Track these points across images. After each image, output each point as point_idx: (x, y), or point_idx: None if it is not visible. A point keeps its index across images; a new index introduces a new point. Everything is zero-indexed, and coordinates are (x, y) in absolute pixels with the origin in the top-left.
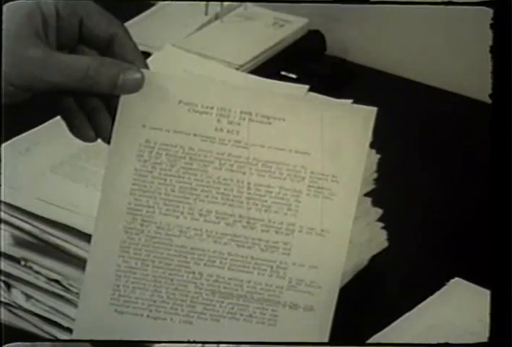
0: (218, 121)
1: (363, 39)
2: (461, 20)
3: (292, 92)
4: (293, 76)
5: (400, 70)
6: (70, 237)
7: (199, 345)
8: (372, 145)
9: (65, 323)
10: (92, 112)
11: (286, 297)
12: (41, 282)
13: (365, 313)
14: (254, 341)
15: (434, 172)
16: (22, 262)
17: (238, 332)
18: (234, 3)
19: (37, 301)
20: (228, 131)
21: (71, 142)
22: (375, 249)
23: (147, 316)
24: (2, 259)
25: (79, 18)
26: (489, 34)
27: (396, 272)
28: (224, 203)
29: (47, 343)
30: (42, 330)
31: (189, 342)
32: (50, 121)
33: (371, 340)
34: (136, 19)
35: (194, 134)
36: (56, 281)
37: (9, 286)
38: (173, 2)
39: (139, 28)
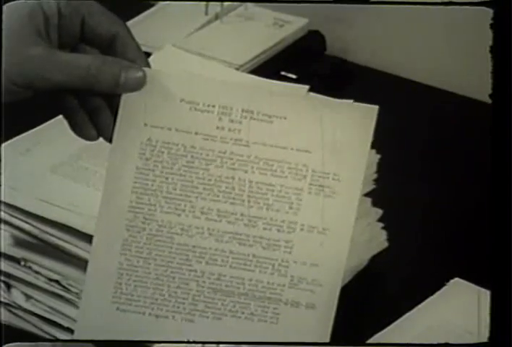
0: (220, 119)
1: (363, 39)
2: (461, 20)
3: (293, 92)
4: (293, 76)
5: (401, 70)
6: (70, 237)
7: (199, 345)
8: (372, 145)
9: (65, 323)
10: (94, 111)
11: (288, 295)
12: (41, 282)
13: (365, 313)
14: (255, 339)
15: (434, 172)
16: (22, 262)
17: (239, 331)
18: (234, 3)
19: (37, 301)
20: (229, 130)
21: (72, 142)
22: (375, 249)
23: (149, 314)
24: (2, 259)
25: (81, 17)
26: (489, 34)
27: (396, 272)
28: (226, 201)
29: (48, 343)
30: (42, 330)
31: (188, 342)
32: (50, 121)
33: (371, 340)
34: (136, 19)
35: (196, 133)
36: (56, 281)
37: (9, 286)
38: (173, 2)
39: (139, 28)
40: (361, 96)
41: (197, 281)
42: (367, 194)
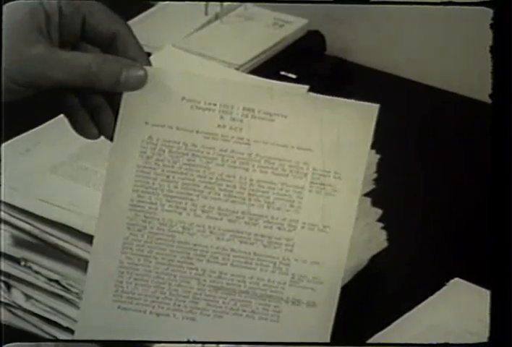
0: (221, 117)
1: (363, 39)
2: (461, 20)
3: (293, 91)
4: (293, 76)
5: (401, 70)
6: (70, 237)
7: (199, 345)
8: (372, 145)
9: (65, 323)
10: (95, 109)
11: (289, 293)
12: (41, 282)
13: (365, 313)
14: (256, 337)
15: (434, 172)
16: (22, 262)
17: (240, 329)
18: (234, 3)
19: (37, 301)
20: (230, 128)
21: (72, 142)
22: (375, 249)
23: (150, 312)
24: (2, 259)
25: (82, 16)
26: (489, 34)
27: (396, 272)
28: (227, 200)
29: (50, 344)
30: (42, 330)
31: (188, 342)
32: (50, 121)
33: (371, 340)
34: (136, 19)
35: (197, 131)
36: (56, 281)
37: (9, 286)
38: (173, 2)
39: (139, 28)
40: (361, 96)
41: (198, 279)
42: (366, 194)
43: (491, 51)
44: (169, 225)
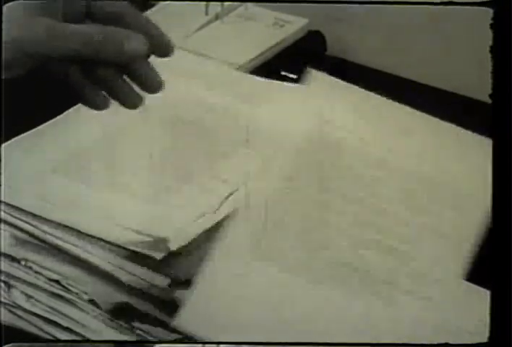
0: None
1: (363, 39)
2: (461, 20)
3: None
4: (294, 76)
5: (401, 70)
6: (70, 237)
7: (200, 345)
8: None
9: (65, 323)
10: (103, 80)
11: None
12: (41, 282)
13: None
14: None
15: None
16: (22, 262)
17: None
18: (234, 3)
19: (37, 301)
20: None
21: (72, 142)
22: None
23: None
24: (2, 259)
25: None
26: (489, 34)
27: None
28: None
29: (53, 344)
30: (42, 330)
31: (189, 342)
32: (50, 121)
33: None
34: None
35: None
36: (56, 281)
37: (9, 286)
38: (174, 2)
39: None
40: None
41: None
42: None
43: (491, 51)
44: None
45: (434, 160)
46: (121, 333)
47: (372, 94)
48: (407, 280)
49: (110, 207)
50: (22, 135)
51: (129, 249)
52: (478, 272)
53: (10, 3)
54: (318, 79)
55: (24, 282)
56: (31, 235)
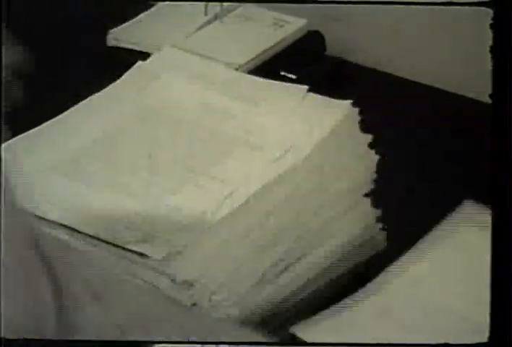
0: None
1: (363, 39)
2: (461, 20)
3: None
4: (293, 76)
5: (401, 70)
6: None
7: (199, 345)
8: (372, 145)
9: None
10: None
11: None
12: None
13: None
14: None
15: (434, 172)
16: None
17: None
18: (234, 3)
19: None
20: None
21: (72, 142)
22: (374, 250)
23: None
24: None
25: None
26: (489, 34)
27: None
28: None
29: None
30: None
31: (188, 342)
32: (50, 121)
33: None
34: (136, 19)
35: None
36: None
37: None
38: (173, 2)
39: (139, 28)
40: (361, 96)
41: None
42: (366, 195)
43: (491, 51)
44: None
45: None
46: None
47: None
48: None
49: (109, 207)
50: (22, 135)
51: (129, 249)
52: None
53: None
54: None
55: None
56: None
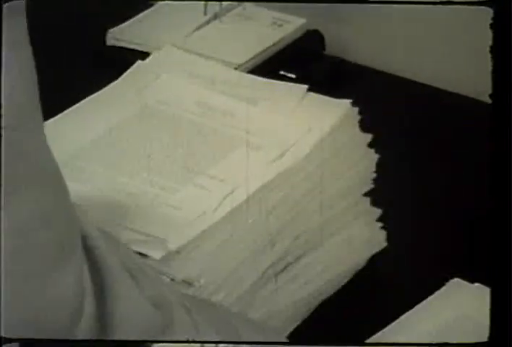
0: None
1: (362, 39)
2: (461, 20)
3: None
4: (292, 76)
5: (401, 70)
6: None
7: (199, 345)
8: (372, 145)
9: None
10: None
11: None
12: None
13: (364, 313)
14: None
15: (434, 172)
16: None
17: None
18: (233, 3)
19: None
20: None
21: (71, 142)
22: (374, 249)
23: None
24: None
25: None
26: (489, 34)
27: (395, 272)
28: None
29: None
30: None
31: (188, 342)
32: (50, 120)
33: (370, 340)
34: (135, 18)
35: None
36: None
37: None
38: (172, 2)
39: (139, 28)
40: (360, 96)
41: None
42: (366, 194)
43: (491, 51)
44: None
45: None
46: None
47: None
48: None
49: (109, 206)
50: None
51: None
52: (478, 272)
53: (9, 3)
54: None
55: None
56: None
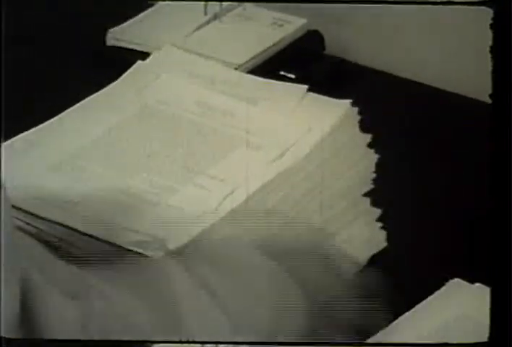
0: None
1: (362, 39)
2: (461, 20)
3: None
4: (292, 76)
5: (400, 70)
6: (70, 237)
7: (199, 345)
8: (372, 145)
9: None
10: None
11: None
12: None
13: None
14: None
15: (433, 172)
16: None
17: None
18: (233, 3)
19: None
20: None
21: (71, 142)
22: (374, 249)
23: None
24: None
25: None
26: (489, 34)
27: (395, 272)
28: None
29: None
30: None
31: (188, 342)
32: (50, 120)
33: (370, 340)
34: (135, 18)
35: None
36: None
37: None
38: (172, 2)
39: (139, 28)
40: (360, 96)
41: None
42: (366, 194)
43: (491, 51)
44: None
45: None
46: None
47: None
48: None
49: (109, 206)
50: (22, 135)
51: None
52: (478, 272)
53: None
54: None
55: None
56: (31, 235)
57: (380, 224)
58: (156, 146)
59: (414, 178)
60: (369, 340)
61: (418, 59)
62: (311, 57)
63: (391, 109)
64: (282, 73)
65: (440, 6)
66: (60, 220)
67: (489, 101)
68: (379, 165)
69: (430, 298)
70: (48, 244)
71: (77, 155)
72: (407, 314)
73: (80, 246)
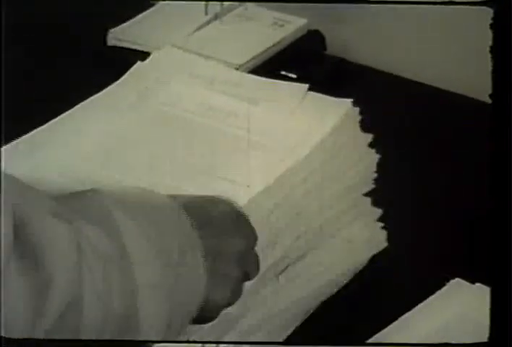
0: None
1: (363, 39)
2: (461, 20)
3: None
4: (293, 76)
5: (401, 70)
6: None
7: (199, 345)
8: (372, 145)
9: None
10: None
11: None
12: None
13: (365, 313)
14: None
15: (434, 172)
16: None
17: None
18: (234, 3)
19: None
20: None
21: (72, 143)
22: (375, 249)
23: None
24: None
25: None
26: (489, 34)
27: (396, 272)
28: None
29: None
30: None
31: (188, 342)
32: (51, 122)
33: (371, 340)
34: (136, 19)
35: None
36: None
37: None
38: (173, 2)
39: (139, 28)
40: (360, 96)
41: None
42: (366, 194)
43: (491, 51)
44: None
45: None
46: None
47: None
48: None
49: None
50: (23, 137)
51: None
52: (478, 272)
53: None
54: None
55: None
56: None
57: (380, 224)
58: (157, 146)
59: (414, 178)
60: (370, 340)
61: (418, 59)
62: (311, 57)
63: (391, 109)
64: (283, 73)
65: (440, 6)
66: None
67: (489, 101)
68: (380, 165)
69: (431, 298)
70: None
71: (78, 156)
72: (407, 314)
73: None
